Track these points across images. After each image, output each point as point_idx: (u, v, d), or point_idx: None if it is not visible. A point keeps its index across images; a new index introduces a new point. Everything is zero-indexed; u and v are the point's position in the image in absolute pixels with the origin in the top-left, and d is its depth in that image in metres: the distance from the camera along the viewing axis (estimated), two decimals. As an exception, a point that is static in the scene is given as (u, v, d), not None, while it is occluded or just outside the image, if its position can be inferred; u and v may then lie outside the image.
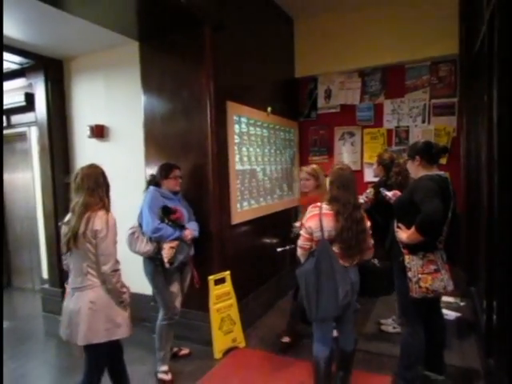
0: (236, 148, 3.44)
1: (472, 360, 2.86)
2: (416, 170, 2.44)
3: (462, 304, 3.92)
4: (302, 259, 2.32)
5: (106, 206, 2.08)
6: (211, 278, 3.09)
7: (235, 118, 3.43)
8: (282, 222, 4.52)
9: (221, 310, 3.13)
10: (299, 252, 2.32)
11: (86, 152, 4.00)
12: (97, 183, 2.07)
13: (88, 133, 3.82)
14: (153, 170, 3.23)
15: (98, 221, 2.00)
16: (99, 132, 3.82)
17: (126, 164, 3.72)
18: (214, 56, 3.11)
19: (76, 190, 2.06)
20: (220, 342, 3.10)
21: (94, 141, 3.90)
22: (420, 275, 2.28)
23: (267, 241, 4.18)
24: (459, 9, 3.95)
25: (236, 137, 3.44)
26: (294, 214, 4.87)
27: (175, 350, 3.12)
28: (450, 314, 3.62)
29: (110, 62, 3.79)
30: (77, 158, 4.09)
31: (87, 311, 2.00)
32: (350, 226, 2.17)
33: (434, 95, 4.33)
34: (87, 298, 2.02)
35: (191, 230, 2.86)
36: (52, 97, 4.03)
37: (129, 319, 2.16)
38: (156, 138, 3.37)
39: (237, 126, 3.46)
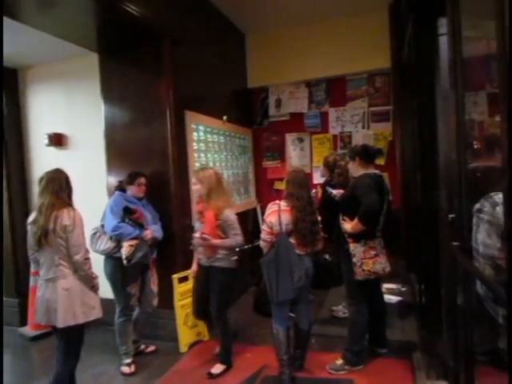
0: (195, 154, 3.66)
1: (411, 335, 3.26)
2: (356, 169, 2.81)
3: (403, 289, 4.38)
4: (265, 250, 2.61)
5: (70, 205, 2.29)
6: (175, 276, 3.27)
7: (193, 126, 3.65)
8: (241, 224, 4.77)
9: (185, 307, 3.31)
10: (262, 244, 2.62)
11: (43, 160, 4.02)
12: (60, 186, 2.27)
13: (46, 141, 3.86)
14: (115, 177, 3.38)
15: (66, 216, 2.21)
16: (58, 140, 3.87)
17: (86, 171, 3.80)
18: (173, 68, 3.33)
19: (41, 192, 2.26)
20: (185, 337, 3.29)
21: (52, 149, 3.94)
22: (363, 260, 2.64)
23: (227, 241, 4.41)
24: (389, 28, 4.47)
25: (195, 144, 3.67)
26: (253, 216, 5.15)
27: (142, 347, 3.27)
28: (392, 299, 4.06)
29: (68, 71, 3.88)
30: (34, 166, 4.10)
31: (63, 298, 2.21)
32: (304, 218, 2.50)
33: (371, 104, 4.83)
34: (61, 286, 2.22)
35: (151, 230, 3.04)
36: (6, 105, 4.02)
37: (99, 302, 2.38)
38: (118, 146, 3.51)
39: (195, 134, 3.69)
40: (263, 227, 2.62)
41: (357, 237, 2.66)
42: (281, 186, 5.25)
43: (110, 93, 3.54)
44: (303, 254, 2.58)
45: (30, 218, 2.28)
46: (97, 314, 2.34)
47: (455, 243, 1.43)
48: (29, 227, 2.28)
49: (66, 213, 2.21)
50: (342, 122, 4.95)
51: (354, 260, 2.63)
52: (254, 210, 5.22)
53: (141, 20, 3.04)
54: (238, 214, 4.69)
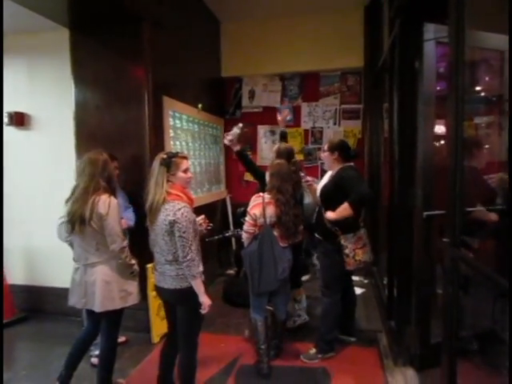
0: (171, 142, 3.56)
1: (375, 324, 3.45)
2: (332, 163, 2.86)
3: (365, 281, 4.60)
4: (246, 242, 2.62)
5: (106, 190, 2.23)
6: (149, 265, 3.18)
7: (171, 112, 3.55)
8: (210, 214, 4.75)
9: (158, 297, 3.23)
10: (244, 236, 2.62)
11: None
12: (98, 170, 2.22)
13: (6, 120, 3.56)
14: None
15: (102, 205, 2.16)
16: (19, 120, 3.59)
17: (51, 153, 3.60)
18: (153, 52, 3.20)
19: (79, 174, 2.25)
20: (158, 327, 3.22)
21: (11, 129, 3.64)
22: (355, 250, 2.73)
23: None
24: (363, 29, 4.60)
25: (171, 131, 3.57)
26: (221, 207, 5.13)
27: (111, 339, 3.16)
28: (356, 290, 4.24)
29: (33, 46, 3.57)
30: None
31: (102, 283, 2.23)
32: (288, 211, 2.53)
33: (343, 101, 4.97)
34: (100, 271, 2.24)
35: (125, 219, 2.92)
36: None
37: (138, 287, 2.42)
38: (89, 129, 3.32)
39: (171, 121, 3.59)
40: (246, 219, 2.62)
41: (346, 229, 2.72)
42: (250, 177, 5.28)
43: (82, 72, 3.33)
44: (285, 245, 2.62)
45: (68, 197, 2.25)
46: (133, 299, 2.36)
47: (446, 239, 1.52)
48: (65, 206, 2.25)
49: (102, 200, 2.17)
50: (313, 118, 5.04)
51: (347, 251, 2.69)
52: (224, 200, 5.20)
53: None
54: (208, 205, 4.71)
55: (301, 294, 3.38)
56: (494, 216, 2.14)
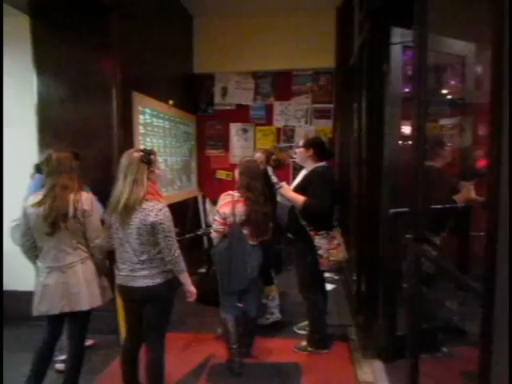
0: (141, 138, 3.49)
1: (346, 319, 3.53)
2: (306, 159, 2.85)
3: (336, 278, 4.69)
4: (216, 241, 2.59)
5: (82, 187, 2.22)
6: (118, 266, 3.11)
7: (140, 108, 3.47)
8: (181, 212, 4.70)
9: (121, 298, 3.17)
10: (214, 235, 2.60)
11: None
12: (71, 167, 2.19)
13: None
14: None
15: (86, 201, 2.16)
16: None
17: (11, 150, 3.40)
18: (121, 44, 3.12)
19: (50, 172, 2.14)
20: (127, 328, 3.15)
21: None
22: (329, 251, 2.73)
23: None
24: (335, 30, 4.67)
25: (141, 127, 3.50)
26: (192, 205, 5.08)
27: (78, 342, 3.06)
28: (327, 286, 4.32)
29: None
30: None
31: (84, 281, 2.20)
32: (257, 209, 2.53)
33: (315, 100, 5.03)
34: (82, 271, 2.20)
35: None
36: None
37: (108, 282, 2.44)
38: (53, 124, 3.18)
39: (141, 117, 3.51)
40: (216, 218, 2.60)
41: (318, 228, 2.73)
42: (222, 175, 5.27)
43: (44, 63, 3.17)
44: (255, 243, 2.63)
45: (33, 200, 2.13)
46: (110, 294, 2.40)
47: (409, 235, 1.57)
48: (31, 210, 2.13)
49: (85, 197, 2.17)
50: (286, 116, 5.08)
51: (321, 252, 2.70)
52: (195, 198, 5.15)
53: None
54: (180, 203, 4.65)
55: (273, 291, 3.41)
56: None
